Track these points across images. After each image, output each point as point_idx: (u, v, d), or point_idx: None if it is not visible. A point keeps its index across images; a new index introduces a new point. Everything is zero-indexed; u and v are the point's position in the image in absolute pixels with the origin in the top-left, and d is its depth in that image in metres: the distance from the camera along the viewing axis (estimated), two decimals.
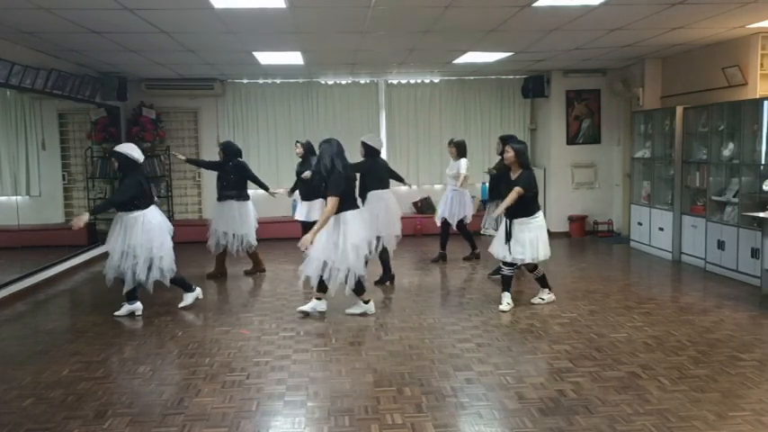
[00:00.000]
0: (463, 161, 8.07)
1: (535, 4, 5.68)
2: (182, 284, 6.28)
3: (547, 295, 6.26)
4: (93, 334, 5.48)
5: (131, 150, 5.91)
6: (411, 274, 7.80)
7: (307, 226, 6.90)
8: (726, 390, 4.00)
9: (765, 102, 6.70)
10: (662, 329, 5.28)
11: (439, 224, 8.37)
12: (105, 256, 9.19)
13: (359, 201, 6.19)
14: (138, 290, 5.98)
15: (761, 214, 6.32)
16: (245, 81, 10.70)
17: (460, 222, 8.20)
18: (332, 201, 5.48)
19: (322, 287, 5.78)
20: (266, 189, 7.84)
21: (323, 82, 10.84)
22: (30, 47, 7.14)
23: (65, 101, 8.24)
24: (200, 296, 6.46)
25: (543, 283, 6.26)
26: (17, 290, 6.85)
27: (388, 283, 7.12)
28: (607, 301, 6.27)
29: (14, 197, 7.45)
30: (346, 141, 10.92)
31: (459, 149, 8.14)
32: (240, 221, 7.46)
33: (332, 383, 4.21)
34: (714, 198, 7.51)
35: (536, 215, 5.94)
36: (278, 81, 10.76)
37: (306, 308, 5.90)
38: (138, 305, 6.05)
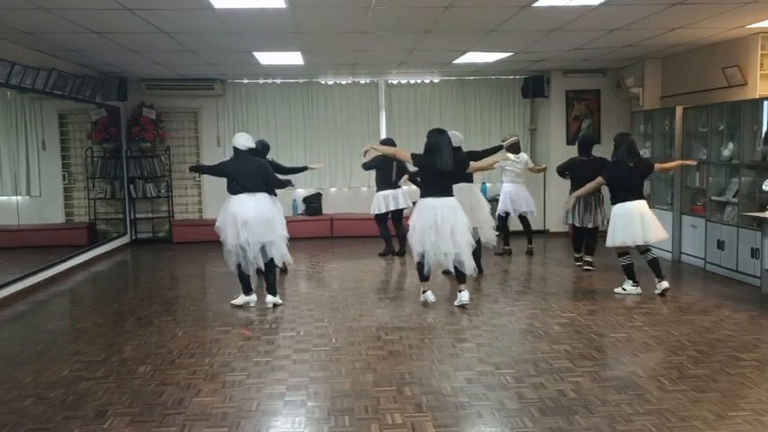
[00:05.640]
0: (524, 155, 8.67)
1: (535, 5, 5.68)
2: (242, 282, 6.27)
3: (630, 287, 6.50)
4: (93, 334, 5.48)
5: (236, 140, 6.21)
6: (411, 273, 7.79)
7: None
8: (726, 390, 4.00)
9: (765, 102, 6.70)
10: (662, 329, 5.28)
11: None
12: (105, 255, 9.29)
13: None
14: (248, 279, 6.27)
15: (761, 214, 6.32)
16: (245, 81, 10.70)
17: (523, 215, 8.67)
18: None
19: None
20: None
21: (323, 82, 10.84)
22: (30, 47, 7.14)
23: (65, 101, 8.24)
24: (253, 304, 6.29)
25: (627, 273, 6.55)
26: (17, 290, 6.85)
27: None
28: (607, 301, 6.27)
29: (14, 197, 7.44)
30: (346, 141, 10.93)
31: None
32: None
33: (332, 383, 4.21)
34: (714, 198, 7.51)
35: (614, 205, 6.39)
36: (278, 81, 10.76)
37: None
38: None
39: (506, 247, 8.69)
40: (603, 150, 10.58)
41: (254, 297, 6.28)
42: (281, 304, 6.26)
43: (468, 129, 10.99)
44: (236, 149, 6.15)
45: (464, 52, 8.32)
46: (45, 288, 7.29)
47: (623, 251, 6.46)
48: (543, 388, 4.06)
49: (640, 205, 6.29)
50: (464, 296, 6.05)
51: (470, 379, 4.24)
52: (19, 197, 7.54)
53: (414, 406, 3.81)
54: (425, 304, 6.16)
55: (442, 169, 5.90)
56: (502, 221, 8.65)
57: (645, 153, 9.00)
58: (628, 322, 5.51)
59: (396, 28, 6.66)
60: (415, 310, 6.04)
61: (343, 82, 10.87)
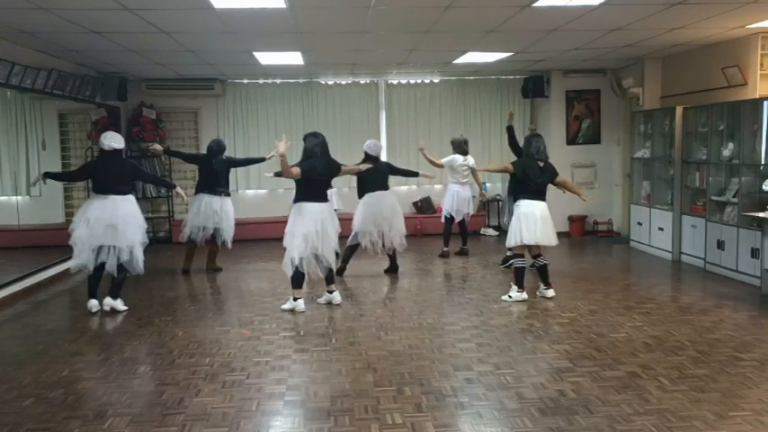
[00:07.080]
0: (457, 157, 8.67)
1: (535, 5, 5.68)
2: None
3: (516, 293, 6.28)
4: (93, 334, 5.48)
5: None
6: (411, 274, 7.80)
7: None
8: (726, 390, 4.00)
9: (765, 102, 6.70)
10: (662, 329, 5.28)
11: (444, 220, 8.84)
12: None
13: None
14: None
15: (761, 214, 6.32)
16: (245, 81, 10.70)
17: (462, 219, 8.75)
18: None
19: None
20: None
21: (323, 82, 10.83)
22: (30, 47, 7.14)
23: (65, 101, 8.24)
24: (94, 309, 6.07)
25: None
26: (17, 290, 6.85)
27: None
28: (607, 301, 6.27)
29: (14, 197, 7.44)
30: (346, 141, 10.92)
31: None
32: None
33: (332, 383, 4.21)
34: (714, 198, 7.51)
35: (517, 203, 6.36)
36: (278, 81, 10.75)
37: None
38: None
39: (445, 249, 8.73)
40: (603, 150, 10.66)
41: (95, 302, 6.07)
42: (123, 311, 6.08)
43: (468, 129, 11.01)
44: (101, 150, 6.06)
45: (464, 52, 8.32)
46: (45, 288, 7.29)
47: (520, 253, 6.35)
48: (543, 388, 4.06)
49: (543, 207, 6.28)
50: (337, 296, 6.27)
51: (470, 379, 4.24)
52: (19, 197, 7.54)
53: (414, 406, 3.81)
54: (294, 312, 6.03)
55: (322, 173, 6.10)
56: (448, 223, 8.73)
57: (645, 153, 9.01)
58: (628, 322, 5.51)
59: (396, 28, 6.66)
60: (414, 309, 6.04)
61: (343, 82, 10.87)
